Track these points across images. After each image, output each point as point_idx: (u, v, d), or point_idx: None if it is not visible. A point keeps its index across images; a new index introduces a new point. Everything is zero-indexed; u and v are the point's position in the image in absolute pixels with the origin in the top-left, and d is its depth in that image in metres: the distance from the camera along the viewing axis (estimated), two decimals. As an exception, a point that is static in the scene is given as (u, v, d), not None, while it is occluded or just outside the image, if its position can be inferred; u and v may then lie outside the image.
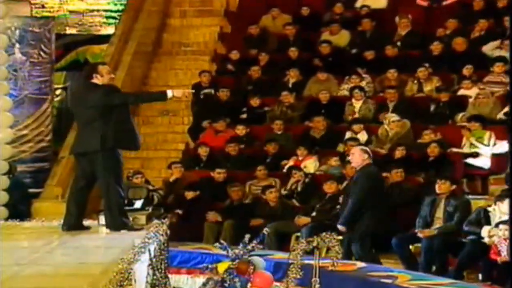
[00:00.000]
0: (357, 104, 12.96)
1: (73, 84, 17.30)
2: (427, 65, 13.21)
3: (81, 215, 7.39)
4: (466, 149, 11.66)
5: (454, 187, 9.80)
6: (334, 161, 11.69)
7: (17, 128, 12.99)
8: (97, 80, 7.26)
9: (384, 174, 11.17)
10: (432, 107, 12.59)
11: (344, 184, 10.62)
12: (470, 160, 11.48)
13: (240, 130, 12.86)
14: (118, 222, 7.20)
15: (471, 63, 12.86)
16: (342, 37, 14.68)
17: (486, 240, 9.01)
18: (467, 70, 12.84)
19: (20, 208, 11.45)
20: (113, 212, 7.21)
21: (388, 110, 12.66)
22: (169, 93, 7.37)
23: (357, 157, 9.83)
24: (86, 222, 7.52)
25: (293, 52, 14.38)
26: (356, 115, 12.81)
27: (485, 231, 9.07)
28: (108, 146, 7.12)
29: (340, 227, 9.67)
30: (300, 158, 12.03)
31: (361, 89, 13.04)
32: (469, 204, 9.78)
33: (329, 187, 10.73)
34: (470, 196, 10.42)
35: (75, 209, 7.33)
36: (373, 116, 12.80)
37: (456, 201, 9.69)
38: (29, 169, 13.90)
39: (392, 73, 13.31)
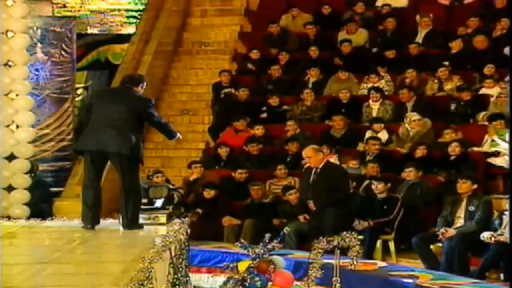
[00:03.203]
0: (375, 106, 12.92)
1: (95, 83, 17.41)
2: (447, 63, 13.15)
3: (100, 212, 7.48)
4: (486, 147, 11.59)
5: (475, 186, 9.74)
6: (352, 164, 11.63)
7: (38, 127, 13.07)
8: (138, 89, 7.56)
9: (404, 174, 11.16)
10: (453, 106, 12.52)
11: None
12: (492, 160, 11.41)
13: (260, 130, 12.86)
14: (134, 221, 7.30)
15: (492, 62, 12.79)
16: (360, 36, 14.64)
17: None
18: (488, 69, 12.78)
19: (41, 207, 11.52)
20: (129, 212, 7.30)
21: (406, 110, 12.63)
22: (178, 135, 7.88)
23: (316, 158, 10.02)
24: (107, 221, 7.60)
25: (313, 51, 14.36)
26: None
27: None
28: (137, 153, 7.33)
29: (311, 204, 9.95)
30: (321, 157, 12.00)
31: (378, 90, 12.99)
32: (491, 204, 9.71)
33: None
34: (492, 196, 10.36)
35: (96, 207, 7.39)
36: (390, 117, 12.75)
37: (478, 201, 9.64)
38: (51, 168, 13.99)
39: (410, 73, 13.26)
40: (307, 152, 10.16)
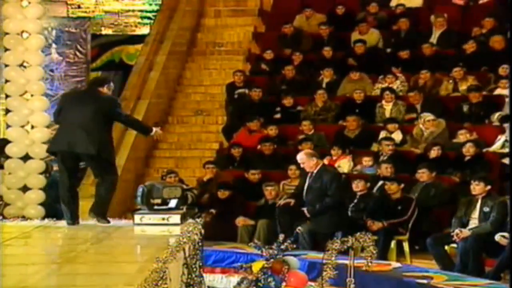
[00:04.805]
0: (388, 106, 12.90)
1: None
2: (461, 64, 13.11)
3: (78, 209, 7.76)
4: (497, 146, 11.53)
5: (488, 187, 9.70)
6: (365, 160, 11.67)
7: (53, 128, 13.09)
8: (103, 89, 7.78)
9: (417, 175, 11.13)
10: (467, 107, 12.48)
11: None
12: (506, 160, 11.35)
13: (274, 130, 12.87)
14: (103, 212, 7.61)
15: (507, 62, 12.72)
16: (372, 36, 14.62)
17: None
18: (503, 70, 12.72)
19: (56, 207, 11.54)
20: (107, 205, 7.66)
21: (417, 111, 12.61)
22: (153, 130, 8.03)
23: (309, 163, 10.03)
24: (121, 221, 7.66)
25: (327, 52, 14.35)
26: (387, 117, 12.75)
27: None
28: (106, 153, 7.58)
29: (307, 213, 10.03)
30: (334, 158, 12.00)
31: (392, 90, 12.97)
32: (505, 205, 9.65)
33: (356, 186, 10.77)
34: (507, 196, 10.29)
35: (72, 204, 7.67)
36: (403, 117, 12.73)
37: (492, 202, 9.60)
38: (65, 168, 14.01)
39: (424, 74, 13.23)
40: (301, 157, 10.21)
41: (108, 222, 7.57)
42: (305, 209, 10.13)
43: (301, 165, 10.27)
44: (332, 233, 9.57)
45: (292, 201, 10.30)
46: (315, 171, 10.07)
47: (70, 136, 7.52)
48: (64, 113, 7.69)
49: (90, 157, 7.54)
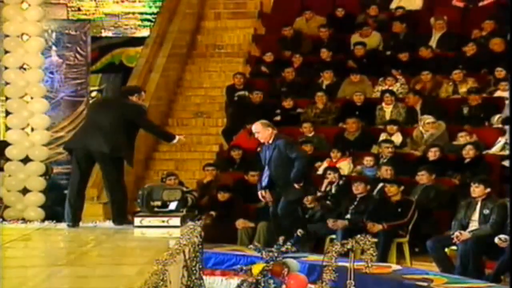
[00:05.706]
0: (388, 109, 12.90)
1: (109, 86, 17.50)
2: (460, 66, 13.12)
3: (81, 211, 7.86)
4: (497, 149, 11.54)
5: (488, 190, 9.70)
6: (366, 161, 11.68)
7: (53, 130, 13.13)
8: (132, 98, 7.93)
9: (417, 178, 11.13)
10: (466, 109, 12.49)
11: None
12: (506, 162, 11.35)
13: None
14: (121, 218, 7.71)
15: (506, 65, 12.73)
16: (373, 39, 14.62)
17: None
18: (498, 72, 12.72)
19: (56, 210, 11.56)
20: (115, 210, 7.75)
21: (417, 113, 12.61)
22: (177, 138, 8.14)
23: (264, 133, 9.92)
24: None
25: (325, 54, 14.35)
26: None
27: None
28: (119, 154, 7.68)
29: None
30: (334, 160, 12.01)
31: (392, 93, 12.98)
32: (505, 207, 9.66)
33: (357, 188, 10.77)
34: (507, 199, 10.29)
35: (80, 205, 7.77)
36: (403, 120, 12.73)
37: (492, 204, 9.60)
38: (65, 170, 14.02)
39: (425, 75, 13.23)
40: (256, 127, 10.09)
41: (131, 222, 7.57)
42: (261, 193, 10.07)
43: (256, 135, 10.14)
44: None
45: (269, 200, 10.21)
46: (271, 141, 10.00)
47: (86, 135, 7.72)
48: (88, 117, 8.08)
49: (102, 155, 7.64)
